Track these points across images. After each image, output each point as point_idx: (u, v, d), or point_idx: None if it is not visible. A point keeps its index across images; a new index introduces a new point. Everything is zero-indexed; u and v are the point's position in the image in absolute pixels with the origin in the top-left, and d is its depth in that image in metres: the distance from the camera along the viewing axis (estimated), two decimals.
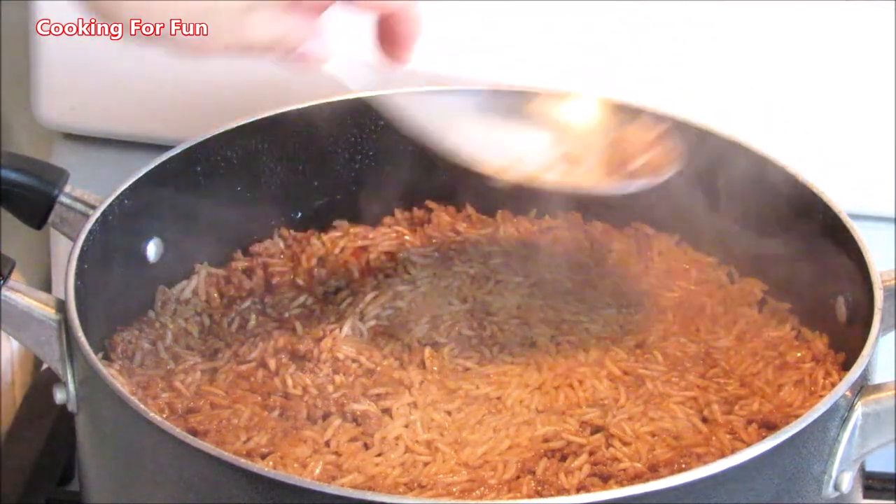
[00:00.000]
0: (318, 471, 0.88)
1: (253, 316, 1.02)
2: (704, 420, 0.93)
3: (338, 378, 0.96)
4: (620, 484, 0.88)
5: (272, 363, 0.97)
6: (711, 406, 0.94)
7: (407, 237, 1.10)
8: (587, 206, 1.12)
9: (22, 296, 0.91)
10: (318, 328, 1.01)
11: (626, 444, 0.91)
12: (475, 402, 0.95)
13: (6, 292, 0.91)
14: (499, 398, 0.96)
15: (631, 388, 0.96)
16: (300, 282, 1.06)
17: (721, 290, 1.06)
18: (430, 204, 1.12)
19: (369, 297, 1.03)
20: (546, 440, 0.91)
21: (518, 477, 0.89)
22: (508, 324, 1.02)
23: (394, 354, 0.99)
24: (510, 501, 0.86)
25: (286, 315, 1.03)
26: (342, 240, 1.09)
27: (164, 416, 0.93)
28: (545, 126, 0.98)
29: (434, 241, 1.09)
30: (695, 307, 1.04)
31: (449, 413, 0.94)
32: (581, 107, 0.99)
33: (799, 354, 0.99)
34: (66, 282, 0.92)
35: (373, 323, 1.02)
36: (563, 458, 0.90)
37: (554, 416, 0.94)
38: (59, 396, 0.92)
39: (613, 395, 0.95)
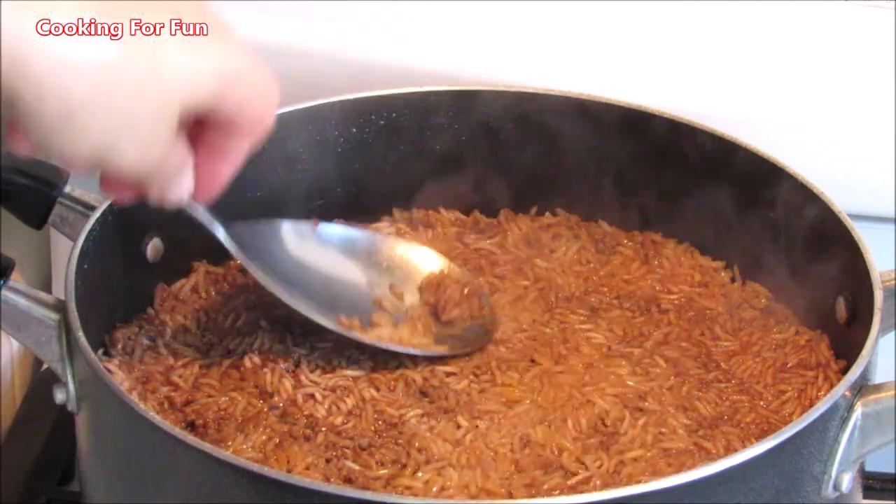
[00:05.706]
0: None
1: (244, 313, 1.02)
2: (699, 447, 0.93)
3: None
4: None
5: (256, 360, 0.97)
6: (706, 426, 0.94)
7: (407, 236, 1.10)
8: (592, 209, 1.13)
9: (22, 296, 0.91)
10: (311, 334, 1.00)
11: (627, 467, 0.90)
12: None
13: (6, 292, 0.91)
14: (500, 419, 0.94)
15: (634, 408, 0.95)
16: None
17: (725, 295, 1.06)
18: (442, 212, 1.12)
19: None
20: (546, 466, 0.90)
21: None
22: (512, 340, 1.01)
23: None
24: (510, 501, 0.86)
25: (275, 313, 1.02)
26: None
27: (164, 410, 0.93)
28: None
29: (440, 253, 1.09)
30: (698, 311, 1.04)
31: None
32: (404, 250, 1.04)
33: (801, 357, 0.99)
34: (66, 282, 0.92)
35: None
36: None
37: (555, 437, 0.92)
38: (59, 396, 0.92)
39: (617, 416, 0.94)
